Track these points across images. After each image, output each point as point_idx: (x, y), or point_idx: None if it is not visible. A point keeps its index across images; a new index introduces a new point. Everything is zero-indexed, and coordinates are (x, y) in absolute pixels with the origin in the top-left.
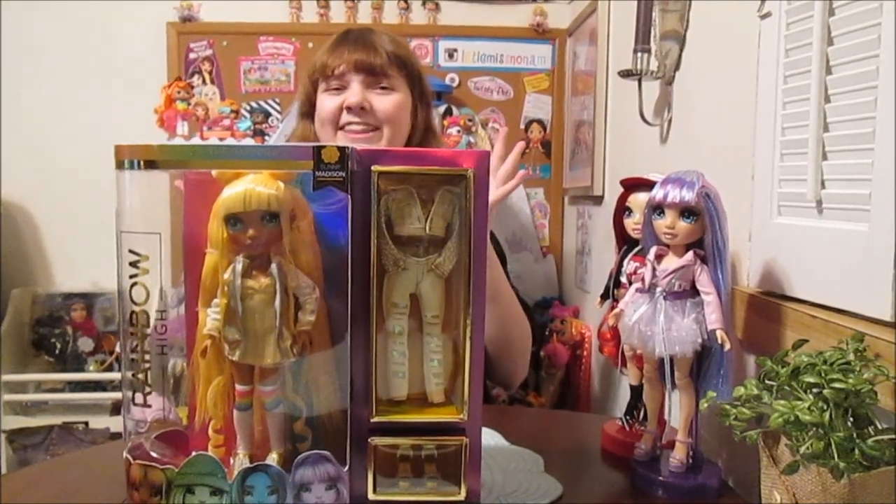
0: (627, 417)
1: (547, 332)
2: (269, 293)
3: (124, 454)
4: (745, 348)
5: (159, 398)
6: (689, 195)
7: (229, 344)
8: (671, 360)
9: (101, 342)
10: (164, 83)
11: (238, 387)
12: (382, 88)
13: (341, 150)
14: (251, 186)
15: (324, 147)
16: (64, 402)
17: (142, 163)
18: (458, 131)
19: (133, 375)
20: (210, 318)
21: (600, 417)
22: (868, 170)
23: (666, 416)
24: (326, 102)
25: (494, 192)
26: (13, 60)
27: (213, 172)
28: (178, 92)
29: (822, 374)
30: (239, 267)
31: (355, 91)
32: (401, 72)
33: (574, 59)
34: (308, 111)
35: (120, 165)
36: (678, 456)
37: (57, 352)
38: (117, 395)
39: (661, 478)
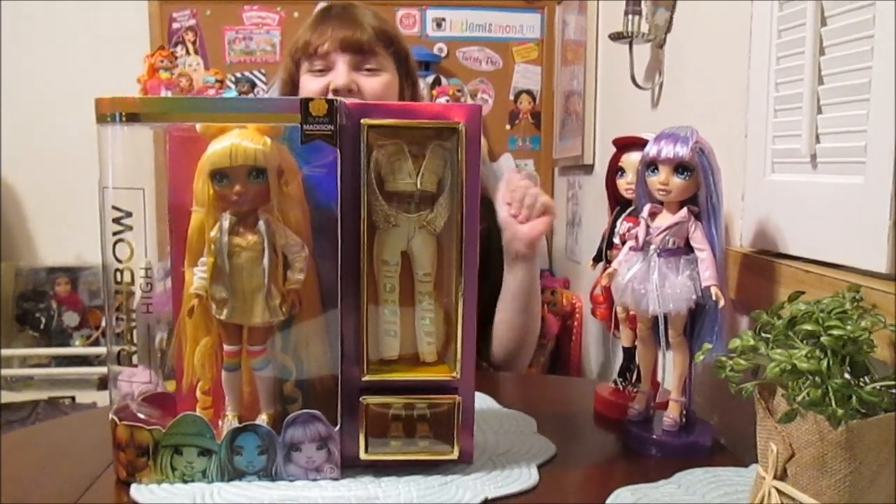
0: (620, 379)
1: None
2: (257, 251)
3: (110, 415)
4: (738, 309)
5: (146, 371)
6: (682, 150)
7: (216, 303)
8: (665, 318)
9: (87, 317)
10: (147, 53)
11: (226, 347)
12: (369, 69)
13: (330, 102)
14: (237, 141)
15: (311, 100)
16: (50, 376)
17: (124, 115)
18: (447, 101)
19: (118, 335)
20: (197, 277)
21: (592, 381)
22: (863, 121)
23: (659, 378)
24: (311, 84)
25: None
26: None
27: (198, 127)
28: (161, 61)
29: (820, 322)
30: (226, 224)
31: (342, 73)
32: (387, 50)
33: (563, 28)
34: (290, 92)
35: (102, 119)
36: (671, 415)
37: (42, 327)
38: (104, 369)
39: (654, 436)
